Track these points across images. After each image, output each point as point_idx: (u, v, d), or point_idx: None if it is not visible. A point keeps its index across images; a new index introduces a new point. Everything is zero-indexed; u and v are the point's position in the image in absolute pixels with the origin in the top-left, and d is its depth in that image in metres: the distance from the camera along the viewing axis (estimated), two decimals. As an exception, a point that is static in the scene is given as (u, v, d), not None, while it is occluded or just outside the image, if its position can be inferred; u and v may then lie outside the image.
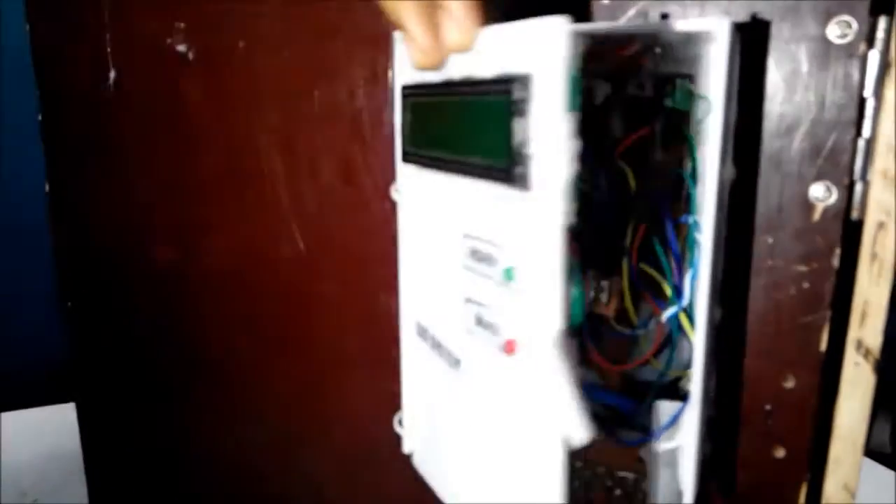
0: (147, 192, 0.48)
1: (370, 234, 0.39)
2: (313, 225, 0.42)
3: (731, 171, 0.29)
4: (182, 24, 0.43)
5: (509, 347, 0.24)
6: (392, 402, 0.34)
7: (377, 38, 0.33)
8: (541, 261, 0.21)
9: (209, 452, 0.53)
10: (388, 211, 0.33)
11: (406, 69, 0.30)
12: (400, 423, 0.34)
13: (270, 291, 0.45)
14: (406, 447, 0.34)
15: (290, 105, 0.41)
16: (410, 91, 0.30)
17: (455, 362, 0.29)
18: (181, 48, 0.43)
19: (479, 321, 0.26)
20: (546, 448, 0.23)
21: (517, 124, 0.21)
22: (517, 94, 0.21)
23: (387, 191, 0.32)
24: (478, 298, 0.26)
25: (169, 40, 0.43)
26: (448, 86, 0.26)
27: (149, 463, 0.56)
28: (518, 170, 0.21)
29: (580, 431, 0.22)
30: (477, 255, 0.26)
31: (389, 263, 0.33)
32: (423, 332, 0.32)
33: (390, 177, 0.32)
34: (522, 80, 0.21)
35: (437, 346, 0.30)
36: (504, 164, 0.22)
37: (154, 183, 0.48)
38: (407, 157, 0.31)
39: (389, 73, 0.31)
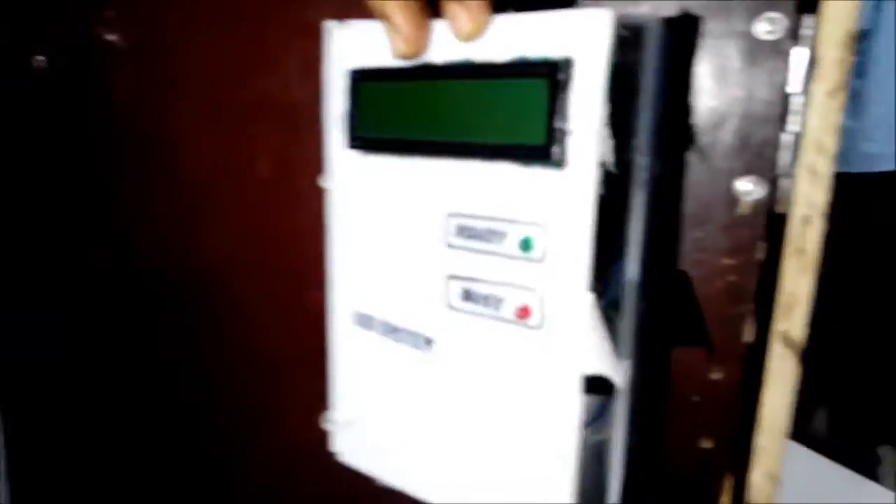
0: (74, 190, 0.47)
1: (304, 228, 0.38)
2: (246, 220, 0.41)
3: (659, 165, 0.29)
4: (112, 13, 0.41)
5: (523, 312, 0.26)
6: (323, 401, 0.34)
7: (313, 26, 0.32)
8: (575, 230, 0.24)
9: (139, 459, 0.51)
10: (321, 203, 0.32)
11: (353, 54, 0.29)
12: (329, 421, 0.33)
13: (202, 291, 0.44)
14: (335, 445, 0.34)
15: (223, 96, 0.40)
16: (367, 75, 0.29)
17: (424, 342, 0.29)
18: (111, 37, 0.41)
19: (469, 296, 0.27)
20: (562, 422, 0.26)
21: (558, 105, 0.23)
22: (560, 76, 0.23)
23: (318, 187, 0.31)
24: (468, 274, 0.27)
25: (98, 28, 0.41)
26: (442, 70, 0.27)
27: (74, 471, 0.55)
28: (555, 148, 0.24)
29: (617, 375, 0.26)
30: (469, 232, 0.27)
31: (318, 261, 0.32)
32: (366, 321, 0.31)
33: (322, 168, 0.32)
34: (565, 64, 0.23)
35: (392, 331, 0.30)
36: (539, 143, 0.24)
37: (80, 177, 0.46)
38: (358, 144, 0.30)
39: (325, 62, 0.30)
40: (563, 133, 0.24)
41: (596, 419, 0.32)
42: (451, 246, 0.28)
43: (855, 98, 1.62)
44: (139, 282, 0.47)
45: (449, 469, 0.30)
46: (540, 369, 0.26)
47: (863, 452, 1.88)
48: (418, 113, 0.28)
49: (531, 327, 0.26)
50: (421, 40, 0.26)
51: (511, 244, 0.26)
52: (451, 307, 0.28)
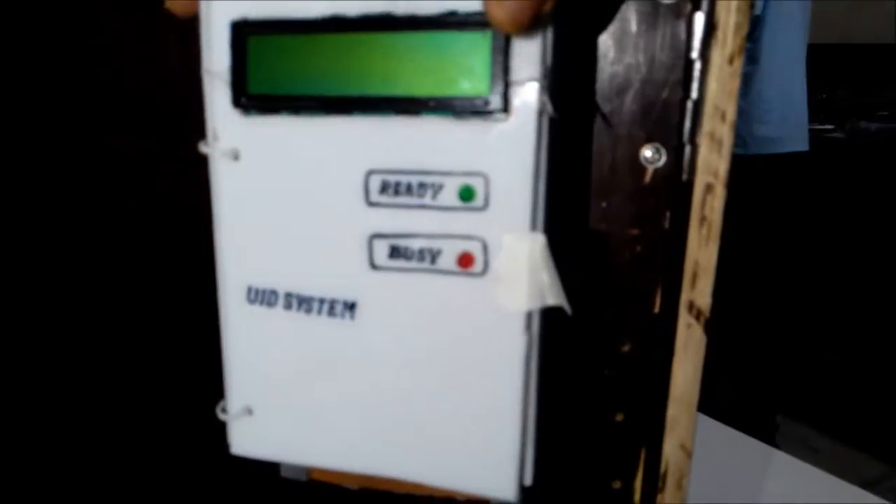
0: None
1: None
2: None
3: (564, 133, 0.28)
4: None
5: (466, 261, 0.26)
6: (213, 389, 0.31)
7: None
8: (518, 176, 0.25)
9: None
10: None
11: (235, 4, 0.26)
12: (223, 410, 0.31)
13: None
14: (232, 436, 0.31)
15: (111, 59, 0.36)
16: (256, 28, 0.26)
17: (345, 308, 0.28)
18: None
19: (398, 252, 0.27)
20: (506, 364, 0.27)
21: (501, 56, 0.24)
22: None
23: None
24: (395, 230, 0.27)
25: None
26: (359, 22, 0.25)
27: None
28: (498, 99, 0.24)
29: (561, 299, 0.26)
30: (396, 188, 0.26)
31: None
32: (264, 296, 0.29)
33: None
34: None
35: (303, 301, 0.29)
36: (482, 95, 0.24)
37: None
38: (248, 104, 0.27)
39: (202, 14, 0.27)
40: (506, 84, 0.24)
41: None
42: (372, 204, 0.27)
43: (748, 82, 1.71)
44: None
45: (383, 434, 0.29)
46: (483, 316, 0.27)
47: (764, 420, 1.99)
48: (327, 68, 0.26)
49: (473, 275, 0.26)
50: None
51: (449, 195, 0.26)
52: (376, 267, 0.28)
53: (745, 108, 1.70)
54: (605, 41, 0.30)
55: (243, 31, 0.27)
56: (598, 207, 0.31)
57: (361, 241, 0.28)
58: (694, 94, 0.30)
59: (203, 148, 0.28)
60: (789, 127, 1.74)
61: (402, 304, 0.28)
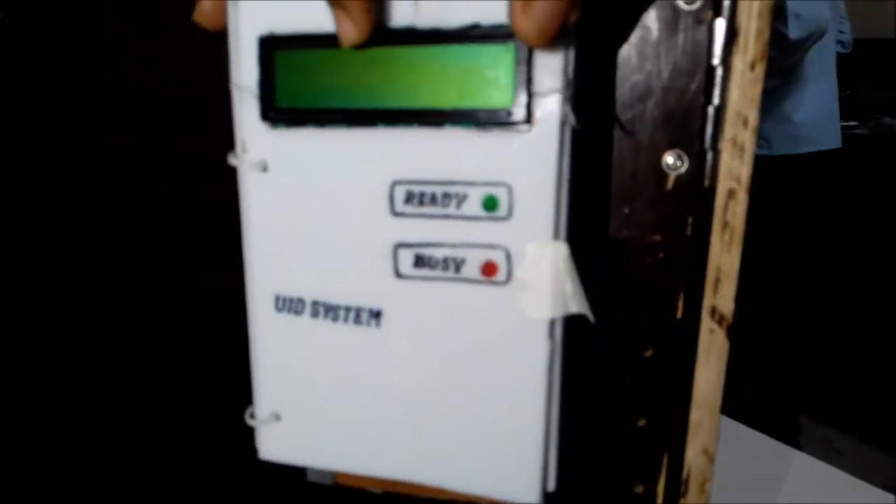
0: None
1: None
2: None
3: (585, 140, 0.28)
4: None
5: (489, 269, 0.27)
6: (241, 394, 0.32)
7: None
8: (541, 186, 0.25)
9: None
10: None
11: (263, 19, 0.27)
12: (252, 416, 0.31)
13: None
14: (260, 441, 0.32)
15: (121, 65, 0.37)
16: (283, 42, 0.27)
17: (371, 316, 0.29)
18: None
19: (422, 261, 0.27)
20: (530, 370, 0.27)
21: (525, 68, 0.24)
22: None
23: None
24: (419, 240, 0.27)
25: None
26: (384, 36, 0.26)
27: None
28: (522, 111, 0.25)
29: (584, 307, 0.26)
30: (420, 199, 0.27)
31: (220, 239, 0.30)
32: (292, 304, 0.30)
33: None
34: None
35: (330, 310, 0.29)
36: (505, 107, 0.25)
37: None
38: (277, 117, 0.28)
39: (231, 29, 0.28)
40: (529, 96, 0.25)
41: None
42: (398, 214, 0.27)
43: (777, 86, 1.70)
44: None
45: (408, 440, 0.30)
46: (506, 323, 0.27)
47: (787, 421, 1.97)
48: (352, 81, 0.27)
49: (497, 283, 0.27)
50: (370, 26, 0.25)
51: (473, 205, 0.26)
52: (401, 276, 0.28)
53: (774, 108, 1.69)
54: (627, 49, 0.30)
55: (271, 46, 0.27)
56: (621, 214, 0.31)
57: (386, 250, 0.28)
58: (716, 100, 0.30)
59: (232, 160, 0.29)
60: (822, 125, 1.73)
61: (426, 313, 0.28)
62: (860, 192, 2.33)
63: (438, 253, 0.27)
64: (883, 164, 2.43)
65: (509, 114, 0.25)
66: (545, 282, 0.26)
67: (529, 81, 0.25)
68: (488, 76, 0.25)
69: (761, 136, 1.74)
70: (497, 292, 0.27)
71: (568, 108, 0.25)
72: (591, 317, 0.26)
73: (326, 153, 0.28)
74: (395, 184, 0.27)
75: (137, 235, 0.40)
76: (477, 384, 0.28)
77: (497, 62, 0.25)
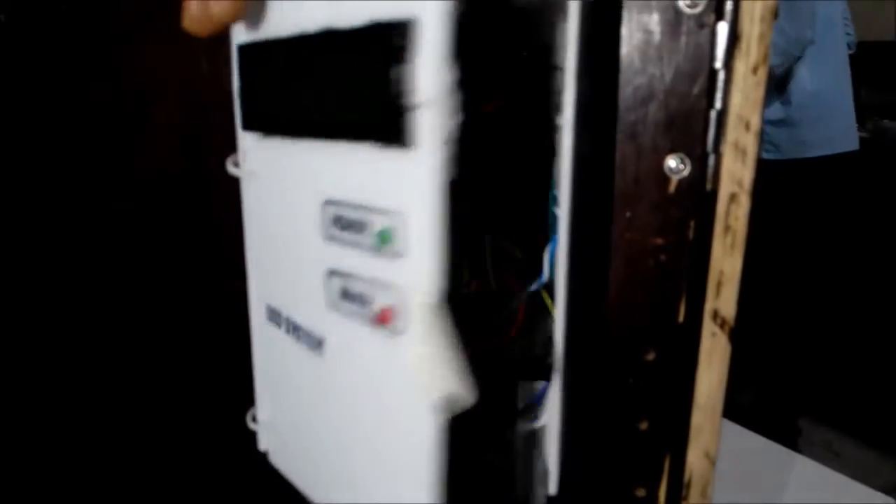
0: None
1: (215, 212, 0.36)
2: (153, 203, 0.38)
3: (587, 144, 0.28)
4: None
5: (383, 317, 0.23)
6: (244, 395, 0.32)
7: None
8: (424, 216, 0.21)
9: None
10: (233, 187, 0.30)
11: (244, 26, 0.27)
12: (253, 419, 0.31)
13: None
14: (261, 444, 0.32)
15: (124, 70, 0.37)
16: (252, 51, 0.27)
17: (317, 344, 0.26)
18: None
19: (345, 294, 0.24)
20: (424, 428, 0.22)
21: (394, 75, 0.20)
22: (396, 41, 0.20)
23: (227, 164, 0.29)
24: (343, 269, 0.24)
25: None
26: (302, 40, 0.23)
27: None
28: (397, 125, 0.20)
29: (464, 394, 0.22)
30: (342, 223, 0.24)
31: (234, 244, 0.30)
32: (275, 316, 0.29)
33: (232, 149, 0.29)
34: (403, 27, 0.19)
35: (293, 328, 0.28)
36: (380, 120, 0.21)
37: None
38: (250, 125, 0.28)
39: (231, 36, 0.28)
40: (403, 107, 0.20)
41: (532, 406, 0.31)
42: (329, 238, 0.25)
43: (783, 89, 1.70)
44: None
45: (333, 472, 0.28)
46: (402, 382, 0.23)
47: (786, 423, 1.97)
48: (290, 89, 0.25)
49: (395, 333, 0.23)
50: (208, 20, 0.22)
51: (371, 236, 0.23)
52: (333, 306, 0.25)
53: (786, 114, 1.70)
54: (629, 52, 0.30)
55: (246, 54, 0.27)
56: (623, 217, 0.31)
57: (323, 276, 0.25)
58: (718, 104, 0.30)
59: (231, 168, 0.29)
60: (838, 128, 1.73)
61: (348, 350, 0.25)
62: (860, 195, 2.33)
63: (355, 286, 0.24)
64: (882, 166, 2.44)
65: (381, 128, 0.21)
66: (430, 360, 0.22)
67: (404, 90, 0.20)
68: (364, 83, 0.21)
69: (769, 141, 1.74)
70: (395, 343, 0.23)
71: (454, 123, 0.20)
72: (469, 400, 0.22)
73: (282, 165, 0.26)
74: (325, 203, 0.24)
75: (151, 237, 0.40)
76: (381, 432, 0.25)
77: (371, 66, 0.21)
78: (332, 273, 0.25)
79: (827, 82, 1.72)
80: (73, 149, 0.41)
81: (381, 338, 0.23)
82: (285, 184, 0.27)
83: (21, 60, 0.41)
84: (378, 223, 0.22)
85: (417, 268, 0.21)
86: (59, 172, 0.42)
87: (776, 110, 1.71)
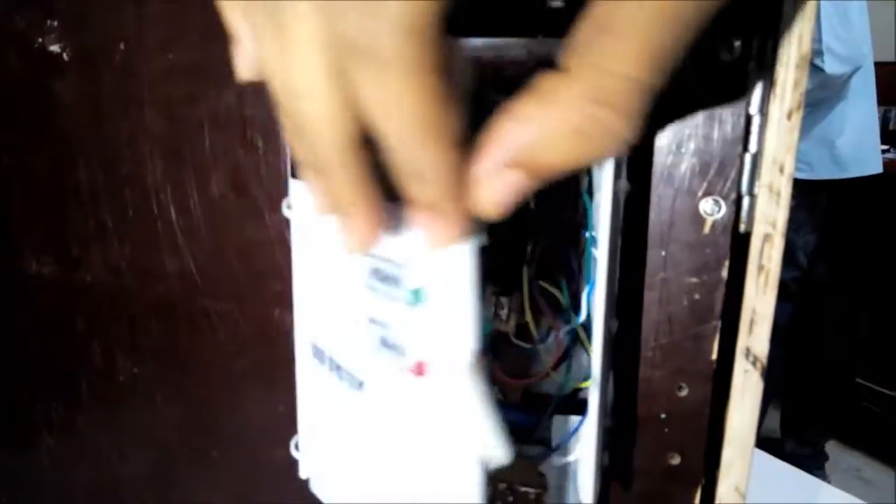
0: (19, 202, 0.45)
1: (262, 247, 0.37)
2: (201, 238, 0.40)
3: (625, 186, 0.29)
4: (55, 22, 0.39)
5: (419, 370, 0.23)
6: (288, 424, 0.33)
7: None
8: (454, 282, 0.21)
9: (85, 481, 0.49)
10: (282, 224, 0.31)
11: None
12: (296, 447, 0.32)
13: (155, 307, 0.42)
14: (303, 472, 0.33)
15: (175, 111, 0.38)
16: None
17: (358, 384, 0.28)
18: (55, 48, 0.40)
19: (384, 343, 0.25)
20: (463, 476, 0.23)
21: None
22: None
23: (279, 203, 0.30)
24: (382, 319, 0.25)
25: (40, 39, 0.40)
26: None
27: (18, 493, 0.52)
28: None
29: (499, 452, 0.22)
30: (380, 275, 0.25)
31: (283, 279, 0.31)
32: (319, 355, 0.30)
33: (283, 188, 0.31)
34: None
35: (336, 368, 0.29)
36: None
37: (27, 192, 0.45)
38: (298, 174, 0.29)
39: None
40: None
41: (568, 439, 0.32)
42: (369, 287, 0.25)
43: (819, 110, 1.70)
44: (88, 296, 0.45)
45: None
46: (438, 432, 0.24)
47: (812, 450, 1.94)
48: None
49: (431, 385, 0.23)
50: (376, 235, 0.21)
51: (406, 291, 0.23)
52: (374, 352, 0.26)
53: (817, 132, 1.70)
54: (665, 95, 0.31)
55: None
56: (658, 256, 0.32)
57: (365, 322, 0.26)
58: (753, 147, 0.31)
59: (285, 211, 0.30)
60: (864, 150, 1.73)
61: (389, 397, 0.26)
62: (890, 216, 2.30)
63: (391, 336, 0.25)
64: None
65: None
66: (466, 396, 0.23)
67: None
68: None
69: (802, 160, 1.73)
70: (428, 395, 0.24)
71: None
72: (504, 459, 0.23)
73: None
74: (367, 254, 0.25)
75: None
76: (423, 481, 0.26)
77: None
78: (373, 321, 0.26)
79: (869, 105, 1.72)
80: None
81: (418, 388, 0.24)
82: (330, 232, 0.28)
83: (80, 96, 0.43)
84: (411, 281, 0.23)
85: (451, 326, 0.22)
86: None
87: (819, 129, 1.71)
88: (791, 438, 1.96)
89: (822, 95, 1.63)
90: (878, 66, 1.79)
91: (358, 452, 0.29)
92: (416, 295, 0.23)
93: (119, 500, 0.49)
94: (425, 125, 0.17)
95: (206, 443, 0.44)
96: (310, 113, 0.18)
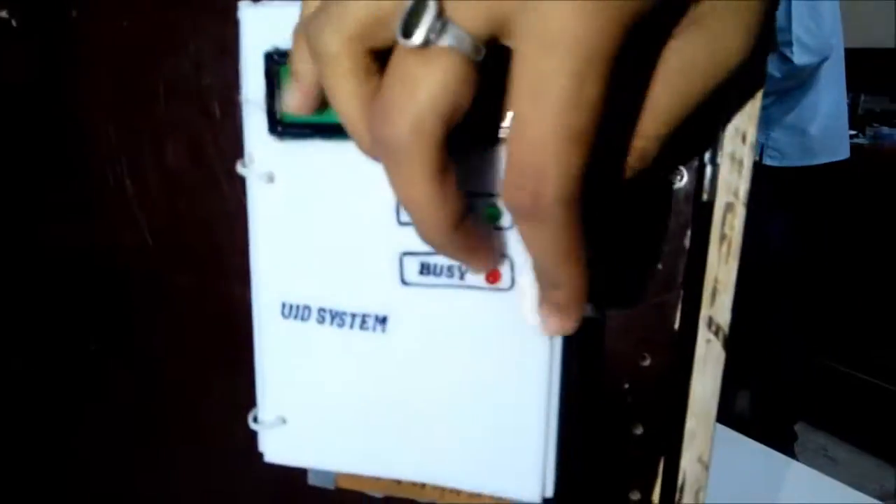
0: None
1: (222, 218, 0.36)
2: (159, 210, 0.39)
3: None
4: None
5: (493, 277, 0.27)
6: (250, 400, 0.32)
7: (225, 8, 0.31)
8: None
9: (32, 468, 0.49)
10: (240, 192, 0.31)
11: (269, 35, 0.28)
12: (255, 419, 0.32)
13: (112, 281, 0.41)
14: (264, 445, 0.32)
15: (129, 79, 0.37)
16: (286, 57, 0.28)
17: (377, 322, 0.29)
18: (3, 14, 0.38)
19: (427, 269, 0.28)
20: (532, 376, 0.28)
21: None
22: None
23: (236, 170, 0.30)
24: (425, 248, 0.27)
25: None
26: None
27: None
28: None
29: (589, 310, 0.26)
30: None
31: (243, 253, 0.31)
32: (296, 311, 0.30)
33: (241, 156, 0.30)
34: None
35: (335, 316, 0.30)
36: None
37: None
38: (281, 129, 0.28)
39: (241, 44, 0.29)
40: None
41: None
42: (403, 223, 0.28)
43: (790, 98, 1.72)
44: (46, 271, 0.44)
45: (413, 441, 0.30)
46: (509, 328, 0.28)
47: (781, 430, 1.98)
48: None
49: (500, 290, 0.28)
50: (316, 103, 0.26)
51: (477, 216, 0.27)
52: (406, 283, 0.29)
53: (790, 122, 1.72)
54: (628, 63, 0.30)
55: (276, 61, 0.28)
56: (620, 225, 0.32)
57: (392, 258, 0.29)
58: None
59: (240, 169, 0.30)
60: (834, 137, 1.76)
61: (431, 317, 0.29)
62: (859, 201, 2.34)
63: (443, 260, 0.28)
64: (882, 173, 2.45)
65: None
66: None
67: None
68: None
69: (774, 147, 1.76)
70: (500, 298, 0.28)
71: None
72: (593, 314, 0.28)
73: (333, 165, 0.28)
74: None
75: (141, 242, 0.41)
76: (480, 387, 0.29)
77: None
78: (408, 254, 0.28)
79: (839, 93, 1.75)
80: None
81: (483, 297, 0.28)
82: (333, 182, 0.29)
83: (30, 64, 0.42)
84: (483, 206, 0.27)
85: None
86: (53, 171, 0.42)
87: (791, 117, 1.73)
88: (761, 418, 2.00)
89: (789, 84, 1.65)
90: (849, 52, 1.81)
91: (374, 407, 0.30)
92: (492, 214, 0.27)
93: (72, 481, 0.48)
94: (569, 256, 0.22)
95: (166, 421, 0.44)
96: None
